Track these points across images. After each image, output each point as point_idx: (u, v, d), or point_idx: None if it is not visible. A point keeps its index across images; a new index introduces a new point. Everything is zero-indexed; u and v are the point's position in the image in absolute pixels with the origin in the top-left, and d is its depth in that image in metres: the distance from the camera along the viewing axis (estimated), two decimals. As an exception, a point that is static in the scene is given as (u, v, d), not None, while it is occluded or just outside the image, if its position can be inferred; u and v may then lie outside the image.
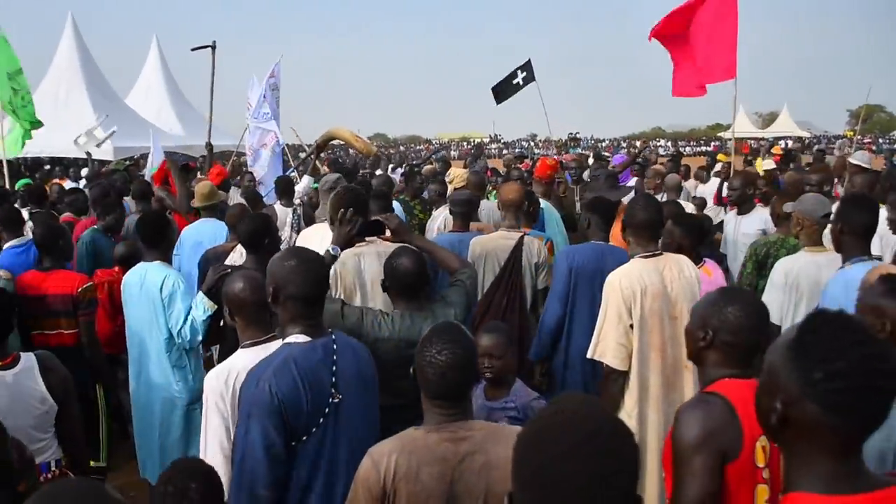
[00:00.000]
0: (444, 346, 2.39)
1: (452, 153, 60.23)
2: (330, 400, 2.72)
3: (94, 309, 5.02)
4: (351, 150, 9.06)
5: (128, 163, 16.19)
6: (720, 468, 2.27)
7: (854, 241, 4.01)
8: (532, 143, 71.43)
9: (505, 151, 60.42)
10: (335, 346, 2.81)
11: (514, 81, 14.78)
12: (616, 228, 4.82)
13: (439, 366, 2.36)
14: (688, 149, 59.30)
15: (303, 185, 8.96)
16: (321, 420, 2.69)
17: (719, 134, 69.19)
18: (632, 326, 3.84)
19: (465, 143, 75.12)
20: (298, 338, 2.80)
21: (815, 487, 1.49)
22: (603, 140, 74.55)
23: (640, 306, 3.83)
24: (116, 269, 5.66)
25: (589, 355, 3.98)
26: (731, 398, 2.33)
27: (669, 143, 68.61)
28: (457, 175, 8.86)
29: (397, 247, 3.74)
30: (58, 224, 5.64)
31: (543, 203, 6.41)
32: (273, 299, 2.84)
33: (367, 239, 4.10)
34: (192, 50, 10.92)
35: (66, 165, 18.21)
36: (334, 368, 2.76)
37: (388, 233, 3.99)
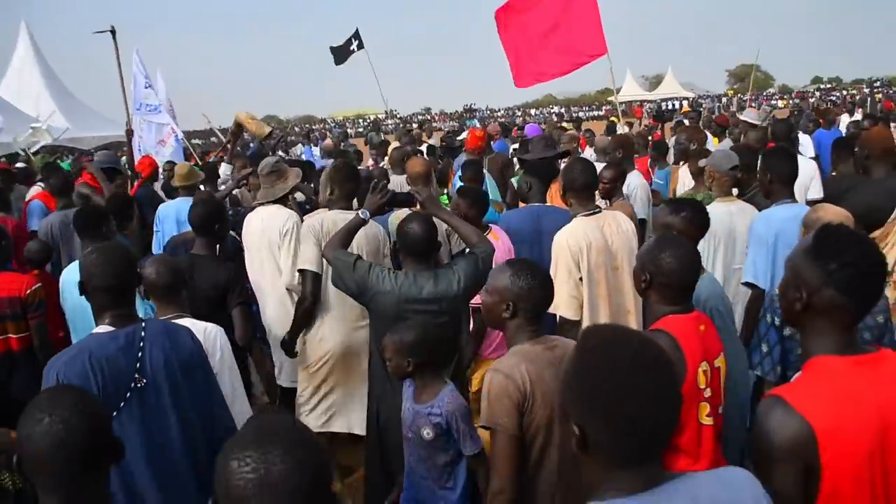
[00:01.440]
0: (534, 275, 2.85)
1: (349, 131, 59.81)
2: (133, 385, 2.85)
3: (44, 310, 4.81)
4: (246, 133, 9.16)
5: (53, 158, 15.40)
6: None
7: (780, 188, 4.50)
8: (428, 116, 71.82)
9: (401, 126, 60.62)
10: (143, 335, 2.92)
11: (350, 48, 17.16)
12: (554, 189, 5.15)
13: (537, 288, 2.84)
14: (581, 114, 60.68)
15: (223, 172, 8.90)
16: (122, 403, 2.81)
17: (609, 98, 71.06)
18: (581, 280, 4.16)
19: (360, 121, 74.69)
20: (102, 328, 2.93)
21: (830, 351, 1.98)
22: (498, 110, 75.46)
23: (586, 261, 4.15)
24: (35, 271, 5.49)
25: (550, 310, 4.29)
26: (674, 332, 2.73)
27: (563, 110, 70.11)
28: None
29: (410, 213, 4.11)
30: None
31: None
32: (82, 291, 2.96)
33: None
34: (94, 33, 10.59)
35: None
36: (140, 355, 2.88)
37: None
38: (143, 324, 2.99)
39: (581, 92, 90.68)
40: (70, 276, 4.69)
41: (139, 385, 2.86)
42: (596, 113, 61.44)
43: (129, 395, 2.84)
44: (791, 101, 53.96)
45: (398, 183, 6.70)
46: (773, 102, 54.24)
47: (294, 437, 1.39)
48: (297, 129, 60.34)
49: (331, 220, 4.55)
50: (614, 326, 1.80)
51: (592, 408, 1.57)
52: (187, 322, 3.50)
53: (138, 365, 2.87)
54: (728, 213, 4.85)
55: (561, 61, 8.84)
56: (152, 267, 3.59)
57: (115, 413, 2.78)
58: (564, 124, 14.76)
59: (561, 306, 4.17)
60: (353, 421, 4.64)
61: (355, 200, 4.96)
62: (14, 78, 25.41)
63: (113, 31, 10.37)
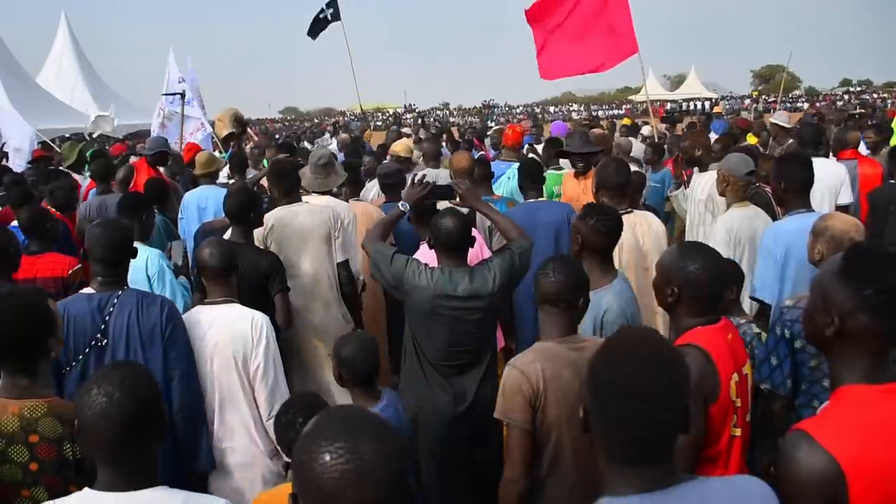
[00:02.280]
0: (560, 265, 2.91)
1: (371, 124, 59.80)
2: (93, 343, 3.34)
3: (84, 289, 5.07)
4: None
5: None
6: (705, 410, 2.61)
7: (793, 197, 4.29)
8: (447, 112, 71.82)
9: (420, 121, 60.57)
10: (115, 301, 3.40)
11: (321, 16, 15.86)
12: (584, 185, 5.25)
13: (558, 282, 2.88)
14: (600, 112, 60.50)
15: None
16: (80, 357, 3.32)
17: (630, 97, 70.74)
18: (612, 278, 4.26)
19: (379, 114, 74.76)
20: (86, 290, 3.49)
21: (860, 379, 1.91)
22: (517, 107, 75.32)
23: (618, 260, 4.24)
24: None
25: None
26: (705, 345, 2.61)
27: (582, 108, 69.91)
28: (400, 146, 9.17)
29: (445, 207, 4.09)
30: (43, 208, 5.66)
31: (514, 166, 6.72)
32: (84, 259, 3.48)
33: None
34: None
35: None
36: (107, 318, 3.37)
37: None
38: (120, 292, 3.44)
39: (601, 90, 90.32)
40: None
41: (100, 344, 3.35)
42: (616, 112, 61.11)
43: (87, 350, 3.34)
44: (818, 104, 53.54)
45: (433, 176, 6.81)
46: (799, 105, 53.76)
47: (379, 427, 1.41)
48: (315, 119, 60.55)
49: (276, 217, 4.85)
50: (646, 329, 1.90)
51: (596, 396, 1.72)
52: (235, 308, 3.69)
53: (103, 326, 3.36)
54: (748, 218, 4.85)
55: (590, 58, 8.80)
56: (207, 248, 3.72)
57: (72, 365, 3.31)
58: (597, 127, 14.66)
59: (590, 304, 4.28)
60: None
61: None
62: (52, 67, 25.97)
63: (182, 94, 10.56)
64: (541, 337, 2.96)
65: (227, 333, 3.58)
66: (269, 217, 4.87)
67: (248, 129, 11.30)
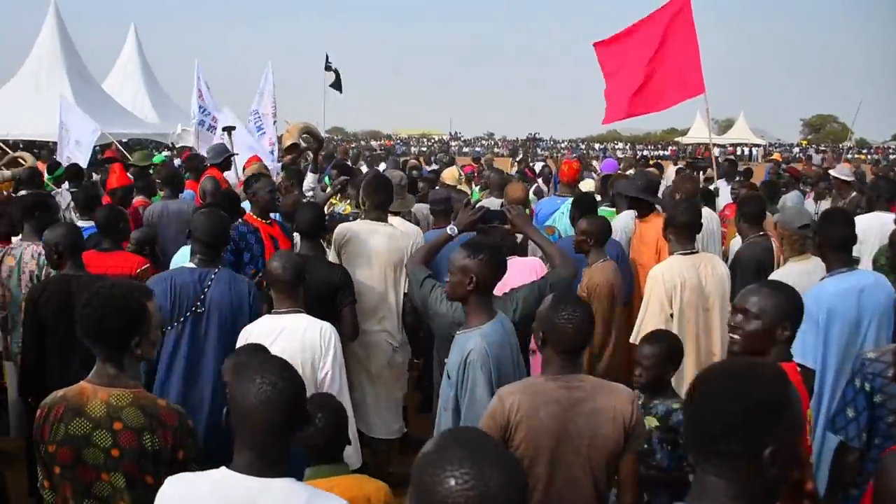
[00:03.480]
0: (574, 309, 2.84)
1: (413, 149, 60.20)
2: (193, 309, 3.97)
3: (151, 290, 5.26)
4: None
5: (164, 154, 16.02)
6: None
7: (834, 255, 4.13)
8: (492, 142, 72.16)
9: (465, 149, 60.90)
10: (212, 277, 4.06)
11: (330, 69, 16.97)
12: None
13: (570, 322, 2.81)
14: (645, 152, 60.27)
15: (309, 180, 9.07)
16: (182, 319, 3.95)
17: (676, 139, 70.36)
18: (671, 316, 4.32)
19: (424, 140, 75.30)
20: (189, 265, 4.17)
21: None
22: (562, 142, 75.41)
23: (679, 298, 4.32)
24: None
25: (631, 340, 4.46)
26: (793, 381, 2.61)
27: (627, 147, 69.74)
28: (448, 174, 9.34)
29: (470, 237, 4.07)
30: (118, 207, 5.85)
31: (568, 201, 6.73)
32: (188, 237, 4.27)
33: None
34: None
35: (51, 150, 18.12)
36: (206, 290, 4.01)
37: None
38: (217, 269, 4.11)
39: (646, 130, 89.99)
40: (178, 258, 5.13)
41: (198, 311, 3.98)
42: (662, 153, 60.83)
43: (188, 314, 3.98)
44: (869, 156, 52.87)
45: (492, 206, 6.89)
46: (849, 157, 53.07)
47: (502, 454, 1.43)
48: (362, 141, 61.16)
49: (355, 230, 4.90)
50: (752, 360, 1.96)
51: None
52: (303, 318, 3.80)
53: (202, 297, 3.99)
54: (805, 273, 4.59)
55: (656, 97, 8.69)
56: (278, 262, 3.86)
57: (173, 325, 3.93)
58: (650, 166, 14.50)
59: (648, 340, 4.31)
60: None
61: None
62: (118, 75, 26.88)
63: (229, 129, 10.79)
64: (543, 371, 2.93)
65: (296, 342, 3.69)
66: (347, 228, 4.96)
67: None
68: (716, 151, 43.25)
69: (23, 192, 7.13)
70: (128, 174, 7.88)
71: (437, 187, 9.11)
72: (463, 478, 1.34)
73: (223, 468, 2.07)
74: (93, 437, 2.53)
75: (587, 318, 2.87)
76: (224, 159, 8.73)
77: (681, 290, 4.31)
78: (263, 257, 5.36)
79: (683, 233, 4.50)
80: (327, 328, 3.78)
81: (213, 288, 4.02)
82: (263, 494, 2.00)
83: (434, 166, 15.33)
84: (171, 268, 5.04)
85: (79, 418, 2.54)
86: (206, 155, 9.78)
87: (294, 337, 3.71)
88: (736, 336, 2.92)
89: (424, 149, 58.06)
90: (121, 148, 13.66)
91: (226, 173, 8.79)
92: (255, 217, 5.70)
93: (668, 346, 3.59)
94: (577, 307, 2.86)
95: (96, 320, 2.59)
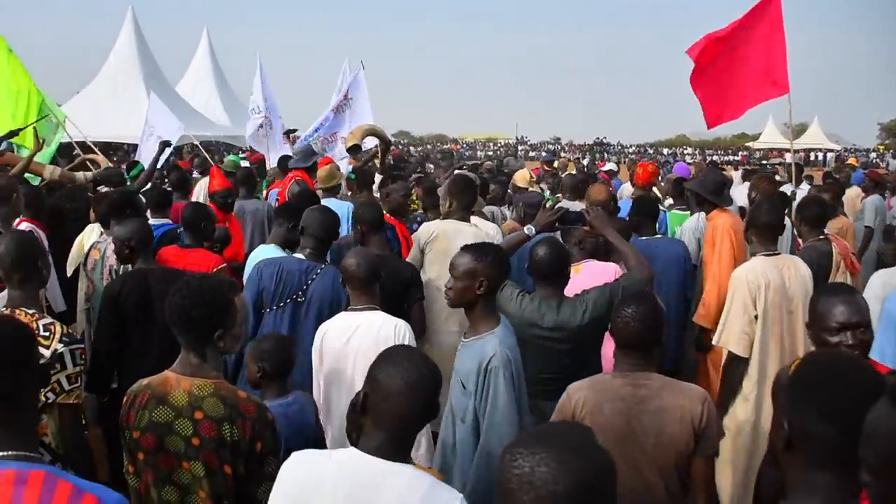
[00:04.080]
0: (638, 305, 2.84)
1: (479, 153, 60.17)
2: (294, 296, 4.23)
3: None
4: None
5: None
6: None
7: None
8: (558, 146, 71.74)
9: (532, 154, 60.73)
10: (318, 271, 4.30)
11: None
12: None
13: (632, 318, 2.81)
14: (715, 157, 59.14)
15: (379, 182, 9.15)
16: (281, 304, 4.24)
17: (747, 144, 68.92)
18: (756, 318, 4.20)
19: (490, 144, 75.24)
20: (299, 255, 4.45)
21: None
22: (630, 146, 74.53)
23: (763, 299, 4.20)
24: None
25: (714, 342, 4.37)
26: None
27: (696, 151, 68.58)
28: (518, 177, 9.33)
29: (542, 236, 4.11)
30: (205, 206, 5.97)
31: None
32: (300, 232, 4.49)
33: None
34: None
35: (126, 151, 18.71)
36: (309, 282, 4.25)
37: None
38: (323, 265, 4.37)
39: (716, 135, 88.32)
40: (256, 254, 5.11)
41: (298, 300, 4.26)
42: (731, 158, 59.60)
43: (288, 300, 4.26)
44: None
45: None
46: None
47: (581, 443, 1.49)
48: (428, 145, 61.45)
49: (441, 229, 4.91)
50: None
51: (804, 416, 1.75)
52: (379, 315, 3.80)
53: (305, 287, 4.26)
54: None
55: (747, 95, 8.50)
56: (353, 259, 3.86)
57: (273, 308, 4.24)
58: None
59: (731, 342, 4.23)
60: None
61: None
62: (191, 78, 27.64)
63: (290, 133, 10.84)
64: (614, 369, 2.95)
65: (371, 338, 3.68)
66: (435, 226, 5.01)
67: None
68: (790, 157, 42.32)
69: (106, 190, 7.34)
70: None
71: (508, 190, 9.13)
72: (522, 457, 1.40)
73: (351, 448, 2.13)
74: (175, 426, 2.57)
75: (651, 314, 2.84)
76: (312, 162, 8.81)
77: (765, 291, 4.19)
78: (401, 256, 5.39)
79: (766, 233, 4.39)
80: (402, 325, 3.77)
81: (316, 281, 4.27)
82: (389, 478, 2.04)
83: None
84: (246, 266, 5.15)
85: (162, 406, 2.58)
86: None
87: (369, 333, 3.71)
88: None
89: (490, 153, 58.03)
90: (200, 147, 13.97)
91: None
92: (391, 216, 5.73)
93: None
94: (640, 303, 2.85)
95: (184, 310, 2.62)
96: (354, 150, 9.72)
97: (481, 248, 3.28)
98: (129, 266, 4.52)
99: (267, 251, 4.90)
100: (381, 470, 2.04)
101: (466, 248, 3.30)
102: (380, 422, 2.09)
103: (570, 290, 3.89)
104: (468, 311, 3.27)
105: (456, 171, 6.83)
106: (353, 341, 3.70)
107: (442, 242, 4.89)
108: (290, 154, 11.08)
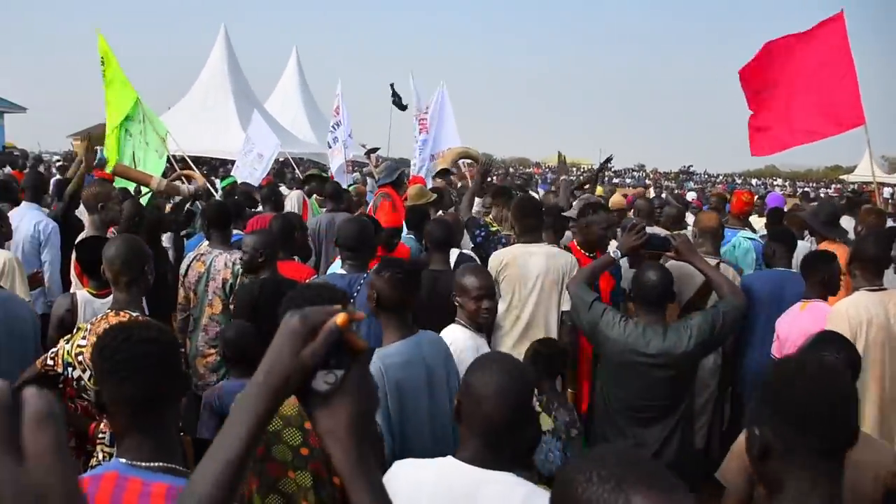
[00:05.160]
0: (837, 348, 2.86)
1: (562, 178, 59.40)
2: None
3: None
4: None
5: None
6: None
7: None
8: (643, 173, 70.78)
9: (615, 180, 60.00)
10: (360, 283, 4.19)
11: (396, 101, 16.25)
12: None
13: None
14: (807, 189, 57.29)
15: (476, 204, 9.06)
16: None
17: (840, 177, 66.62)
18: (856, 355, 3.98)
19: (573, 169, 74.68)
20: (340, 270, 4.43)
21: None
22: (717, 175, 72.98)
23: (864, 336, 3.98)
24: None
25: None
26: None
27: (787, 183, 66.67)
28: (614, 201, 9.28)
29: (648, 262, 4.04)
30: (293, 217, 6.09)
31: (743, 234, 6.68)
32: (336, 244, 4.56)
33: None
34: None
35: (213, 166, 19.27)
36: (354, 295, 4.11)
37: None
38: (365, 275, 4.22)
39: (808, 166, 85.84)
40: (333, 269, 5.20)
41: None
42: (824, 191, 57.66)
43: None
44: None
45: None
46: None
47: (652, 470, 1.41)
48: (511, 168, 61.43)
49: (512, 254, 4.81)
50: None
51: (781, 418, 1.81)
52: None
53: (352, 300, 4.02)
54: None
55: (808, 129, 8.14)
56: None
57: None
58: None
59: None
60: None
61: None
62: (279, 96, 28.32)
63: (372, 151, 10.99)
64: None
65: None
66: (503, 254, 4.92)
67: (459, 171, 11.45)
68: (887, 192, 40.64)
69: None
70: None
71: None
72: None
73: (450, 457, 2.13)
74: (283, 435, 2.56)
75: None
76: (397, 177, 8.87)
77: (867, 327, 3.97)
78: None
79: (870, 267, 4.16)
80: (461, 339, 3.68)
81: (360, 293, 4.08)
82: (485, 486, 2.02)
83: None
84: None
85: None
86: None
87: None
88: None
89: (573, 178, 57.41)
90: (293, 163, 14.36)
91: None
92: (578, 248, 5.32)
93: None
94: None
95: None
96: (443, 173, 9.74)
97: (383, 263, 3.30)
98: (244, 278, 4.78)
99: (334, 268, 4.96)
100: (476, 479, 2.02)
101: (378, 263, 3.39)
102: (472, 429, 2.08)
103: (792, 330, 4.06)
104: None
105: (520, 194, 6.75)
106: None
107: (513, 268, 4.80)
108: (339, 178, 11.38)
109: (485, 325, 3.75)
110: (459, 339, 3.63)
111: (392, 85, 15.94)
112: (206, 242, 5.56)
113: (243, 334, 3.89)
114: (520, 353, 4.57)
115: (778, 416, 1.78)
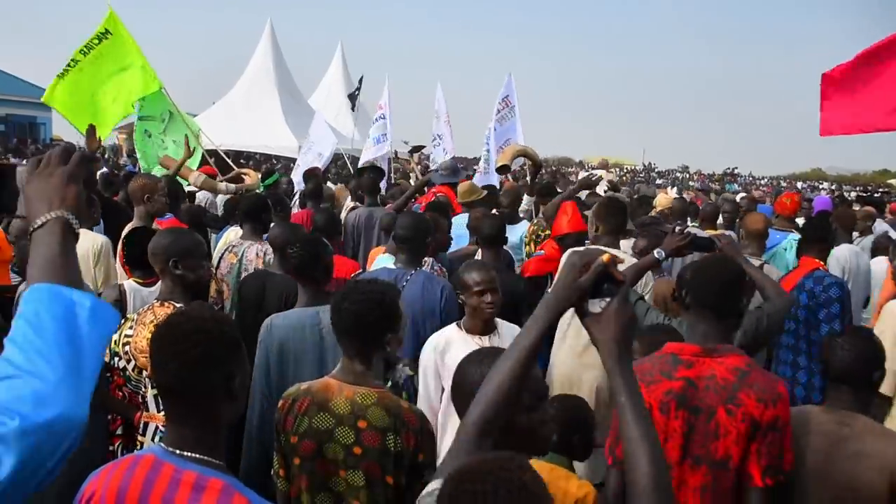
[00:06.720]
0: (853, 338, 2.84)
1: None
2: None
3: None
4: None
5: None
6: None
7: None
8: (686, 175, 70.00)
9: (659, 181, 59.38)
10: (408, 278, 4.25)
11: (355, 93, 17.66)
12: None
13: (843, 350, 2.78)
14: (853, 194, 56.17)
15: (525, 202, 8.97)
16: None
17: (889, 181, 65.17)
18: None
19: (616, 169, 74.04)
20: (391, 265, 4.51)
21: None
22: (762, 178, 71.84)
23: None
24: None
25: None
26: None
27: (833, 186, 65.37)
28: (661, 201, 9.24)
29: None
30: (334, 213, 6.13)
31: (793, 236, 6.60)
32: (392, 238, 4.66)
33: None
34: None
35: (258, 161, 19.44)
36: (401, 289, 3.70)
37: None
38: (413, 271, 4.33)
39: (854, 170, 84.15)
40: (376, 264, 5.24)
41: None
42: (874, 195, 56.27)
43: None
44: None
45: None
46: None
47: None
48: (552, 167, 61.19)
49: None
50: None
51: None
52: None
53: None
54: None
55: (883, 115, 7.99)
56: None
57: None
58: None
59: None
60: None
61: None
62: (323, 92, 28.42)
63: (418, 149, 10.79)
64: None
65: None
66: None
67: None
68: (936, 196, 39.70)
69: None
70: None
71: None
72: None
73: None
74: (335, 433, 2.57)
75: (864, 348, 2.79)
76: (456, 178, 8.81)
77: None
78: None
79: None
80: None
81: (406, 289, 4.11)
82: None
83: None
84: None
85: (323, 413, 2.59)
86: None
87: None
88: None
89: (615, 178, 57.01)
90: (346, 158, 14.52)
91: None
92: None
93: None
94: (855, 336, 2.82)
95: (359, 316, 2.63)
96: (503, 170, 9.70)
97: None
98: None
99: (383, 261, 5.00)
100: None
101: None
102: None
103: None
104: None
105: (608, 194, 6.71)
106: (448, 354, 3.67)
107: None
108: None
109: (490, 321, 3.70)
110: (454, 342, 3.68)
111: (360, 79, 16.38)
112: (238, 233, 5.62)
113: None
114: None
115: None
